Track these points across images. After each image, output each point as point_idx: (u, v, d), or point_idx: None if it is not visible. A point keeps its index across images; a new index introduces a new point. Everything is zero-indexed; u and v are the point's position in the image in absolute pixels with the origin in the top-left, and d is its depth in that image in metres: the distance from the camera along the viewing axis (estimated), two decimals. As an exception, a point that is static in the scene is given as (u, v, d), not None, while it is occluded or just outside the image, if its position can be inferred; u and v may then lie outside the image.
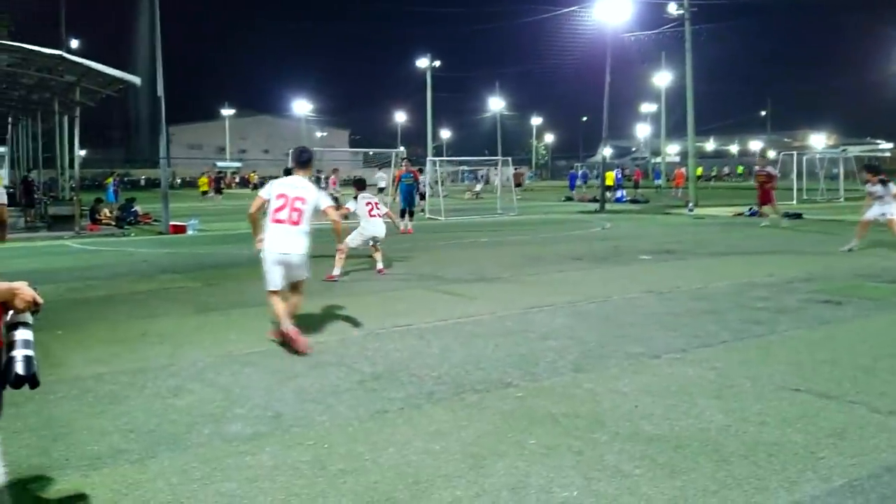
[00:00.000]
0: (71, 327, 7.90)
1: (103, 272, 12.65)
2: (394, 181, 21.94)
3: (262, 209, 6.91)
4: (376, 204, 12.00)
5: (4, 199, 11.39)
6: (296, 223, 6.76)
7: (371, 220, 11.76)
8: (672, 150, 74.95)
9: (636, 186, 43.53)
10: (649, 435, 4.56)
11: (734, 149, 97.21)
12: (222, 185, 48.72)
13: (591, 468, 4.07)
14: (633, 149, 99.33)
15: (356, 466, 4.14)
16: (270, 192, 6.91)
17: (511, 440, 4.51)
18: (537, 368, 6.09)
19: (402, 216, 19.98)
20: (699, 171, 70.32)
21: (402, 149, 34.74)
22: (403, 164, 21.26)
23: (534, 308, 8.64)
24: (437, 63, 54.76)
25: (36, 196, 26.13)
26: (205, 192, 44.88)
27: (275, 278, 6.78)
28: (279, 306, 6.75)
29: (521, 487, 3.84)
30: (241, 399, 5.38)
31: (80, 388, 5.65)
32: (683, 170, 38.31)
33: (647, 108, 78.33)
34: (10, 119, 33.69)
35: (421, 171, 27.87)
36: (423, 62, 53.61)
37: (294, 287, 6.96)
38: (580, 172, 48.27)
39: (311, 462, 4.21)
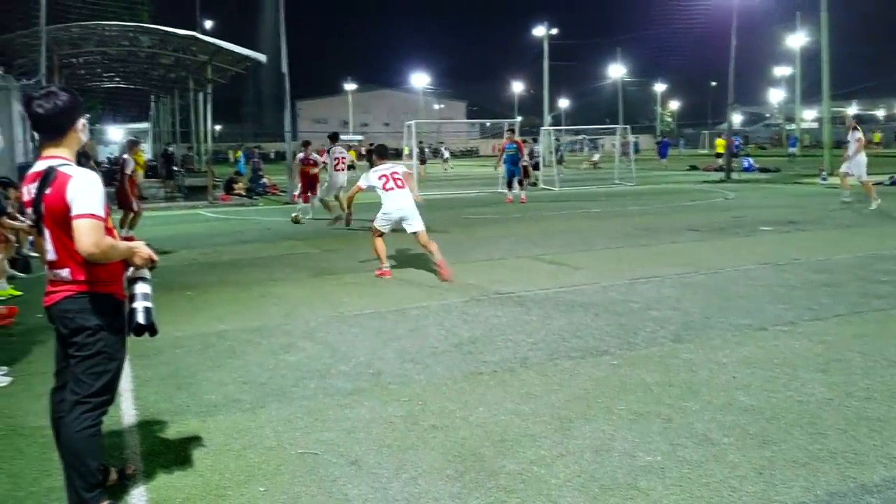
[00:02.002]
0: (200, 288, 8.53)
1: (231, 239, 13.47)
2: (499, 152, 21.88)
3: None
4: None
5: (129, 169, 12.52)
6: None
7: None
8: (808, 115, 70.51)
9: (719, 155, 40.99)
10: (743, 405, 4.51)
11: (880, 113, 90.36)
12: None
13: (679, 435, 4.09)
14: (767, 115, 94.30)
15: (447, 423, 4.34)
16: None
17: (600, 405, 4.58)
18: (636, 338, 6.08)
19: (510, 187, 20.12)
20: (877, 137, 65.78)
21: (518, 119, 34.58)
22: (507, 135, 21.20)
23: (640, 279, 8.55)
24: (555, 31, 53.79)
25: (174, 168, 27.94)
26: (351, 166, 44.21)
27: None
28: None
29: (604, 450, 3.92)
30: (346, 357, 5.70)
31: (204, 344, 6.16)
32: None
33: (781, 71, 73.94)
34: (151, 97, 36.09)
35: (535, 139, 27.67)
36: (539, 30, 52.82)
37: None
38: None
39: (404, 417, 4.45)
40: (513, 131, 21.55)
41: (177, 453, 4.00)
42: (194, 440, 4.17)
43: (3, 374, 5.41)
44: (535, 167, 29.26)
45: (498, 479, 3.61)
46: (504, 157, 20.11)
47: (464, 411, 4.52)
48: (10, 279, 9.23)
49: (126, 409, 4.65)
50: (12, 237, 9.62)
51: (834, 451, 3.84)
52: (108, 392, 3.30)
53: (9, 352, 6.07)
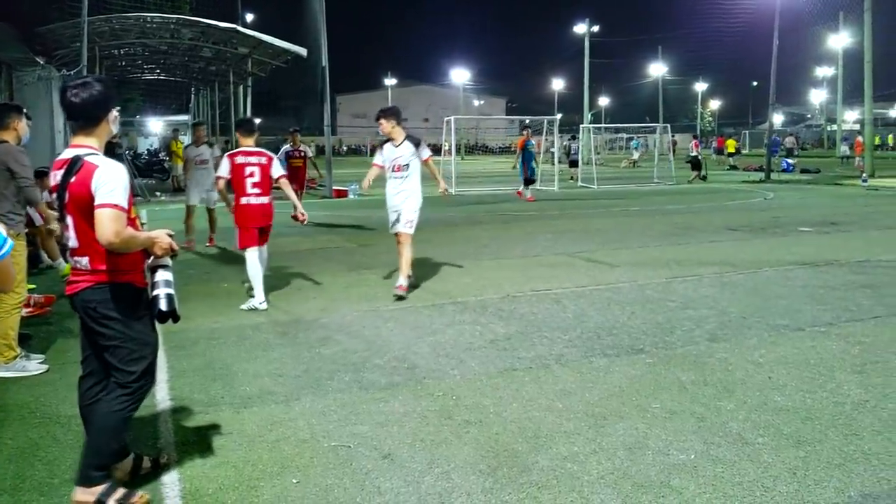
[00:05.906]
0: (236, 280, 8.65)
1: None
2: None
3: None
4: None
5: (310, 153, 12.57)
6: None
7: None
8: (850, 116, 68.87)
9: (720, 152, 41.51)
10: (778, 406, 4.47)
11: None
12: None
13: (713, 434, 4.07)
14: (808, 116, 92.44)
15: (480, 418, 4.36)
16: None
17: (634, 403, 4.56)
18: (672, 337, 6.04)
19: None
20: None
21: (558, 116, 34.36)
22: (525, 132, 21.03)
23: (677, 277, 8.48)
24: (596, 28, 53.27)
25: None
26: None
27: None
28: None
29: (638, 448, 3.91)
30: (381, 351, 5.75)
31: (239, 336, 6.25)
32: (860, 138, 35.27)
33: (823, 71, 72.31)
34: (192, 89, 36.57)
35: (573, 137, 27.49)
36: (581, 27, 52.36)
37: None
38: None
39: (438, 412, 4.48)
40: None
41: (210, 444, 4.07)
42: (228, 431, 4.23)
43: (40, 363, 5.52)
44: (573, 164, 29.14)
45: (531, 475, 3.63)
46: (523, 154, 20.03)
47: (498, 407, 4.54)
48: (49, 268, 9.46)
49: (161, 399, 4.74)
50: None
51: (868, 453, 3.80)
52: (149, 374, 3.39)
53: (46, 340, 6.23)
